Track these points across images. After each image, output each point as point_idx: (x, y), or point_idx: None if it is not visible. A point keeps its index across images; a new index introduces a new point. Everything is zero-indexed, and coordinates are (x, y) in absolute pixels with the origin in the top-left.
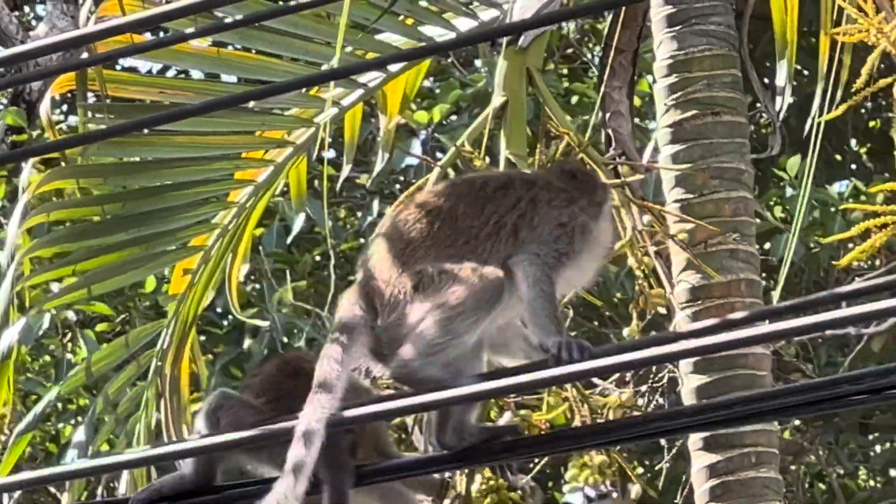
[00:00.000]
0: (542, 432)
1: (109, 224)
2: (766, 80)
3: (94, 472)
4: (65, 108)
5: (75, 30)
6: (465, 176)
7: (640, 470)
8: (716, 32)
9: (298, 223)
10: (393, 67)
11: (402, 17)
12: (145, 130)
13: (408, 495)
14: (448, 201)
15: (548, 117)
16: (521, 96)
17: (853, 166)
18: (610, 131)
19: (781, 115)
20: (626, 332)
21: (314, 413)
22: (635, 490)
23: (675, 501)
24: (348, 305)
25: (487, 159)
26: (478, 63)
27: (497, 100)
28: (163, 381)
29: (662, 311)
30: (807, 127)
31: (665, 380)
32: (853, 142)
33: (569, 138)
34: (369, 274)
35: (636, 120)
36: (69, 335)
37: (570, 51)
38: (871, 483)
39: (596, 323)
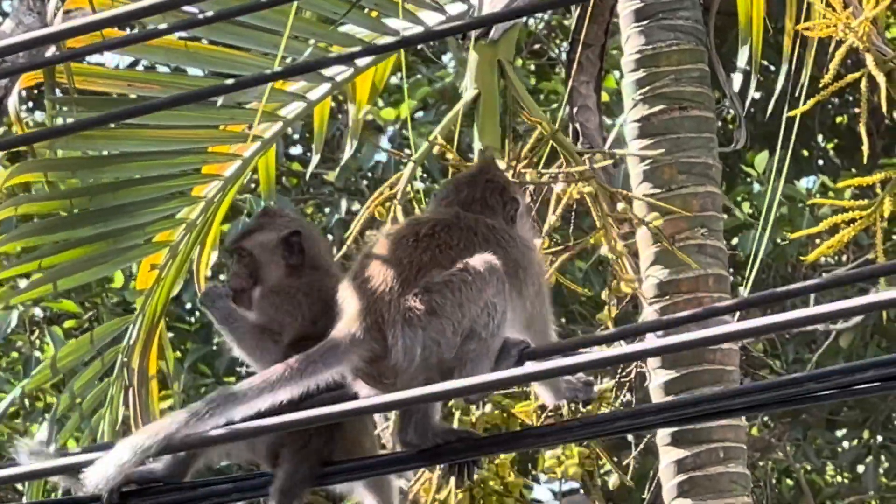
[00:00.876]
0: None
1: (76, 219)
2: (731, 76)
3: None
4: (30, 104)
5: (41, 26)
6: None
7: (608, 466)
8: (683, 27)
9: None
10: (361, 61)
11: (367, 10)
12: (111, 124)
13: (388, 479)
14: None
15: (519, 107)
16: (493, 88)
17: (820, 162)
18: (577, 126)
19: (746, 106)
20: (599, 316)
21: (164, 426)
22: (612, 481)
23: (643, 497)
24: (345, 326)
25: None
26: (445, 59)
27: (469, 93)
28: (130, 376)
29: (632, 307)
30: (782, 121)
31: (633, 375)
32: (819, 137)
33: (541, 127)
34: (371, 301)
35: (602, 115)
36: (37, 332)
37: (537, 46)
38: (839, 479)
39: (564, 319)
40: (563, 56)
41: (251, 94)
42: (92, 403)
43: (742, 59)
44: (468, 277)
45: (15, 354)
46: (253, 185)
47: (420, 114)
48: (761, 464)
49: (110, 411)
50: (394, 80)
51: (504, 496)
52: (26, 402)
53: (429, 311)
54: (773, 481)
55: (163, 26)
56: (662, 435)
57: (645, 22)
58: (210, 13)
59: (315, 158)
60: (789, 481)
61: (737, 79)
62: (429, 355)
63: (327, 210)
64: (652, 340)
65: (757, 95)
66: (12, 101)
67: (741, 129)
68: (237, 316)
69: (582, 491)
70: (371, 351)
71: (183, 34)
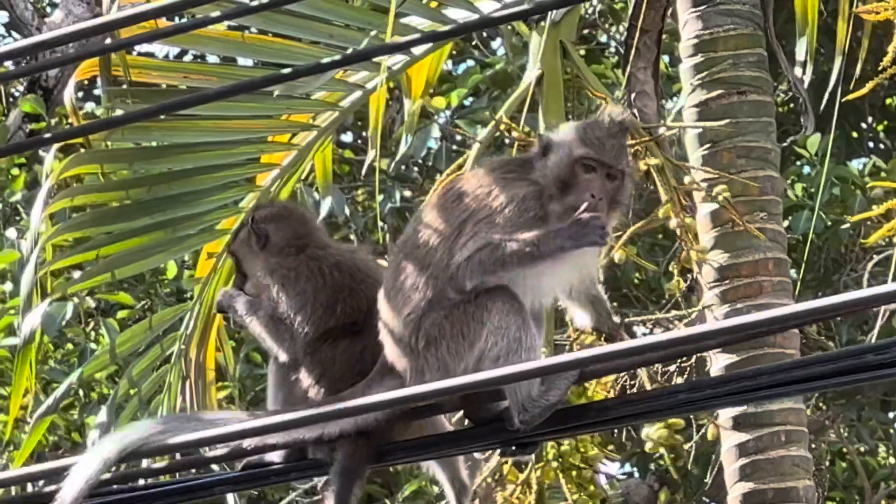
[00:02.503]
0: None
1: (133, 209)
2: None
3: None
4: (81, 94)
5: (90, 16)
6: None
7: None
8: (741, 12)
9: (325, 207)
10: (416, 50)
11: (425, 0)
12: (164, 115)
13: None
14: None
15: (581, 86)
16: (556, 68)
17: (870, 144)
18: (636, 111)
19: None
20: (668, 285)
21: None
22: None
23: (705, 480)
24: (380, 359)
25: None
26: (494, 45)
27: (531, 73)
28: (187, 365)
29: (688, 289)
30: (832, 103)
31: (692, 360)
32: (869, 119)
33: (605, 103)
34: (386, 332)
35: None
36: (91, 324)
37: (586, 31)
38: (892, 460)
39: (616, 304)
40: (614, 41)
41: (311, 84)
42: (150, 390)
43: (801, 51)
44: (470, 309)
45: (70, 346)
46: (312, 175)
47: (470, 100)
48: (814, 446)
49: (168, 398)
50: (445, 66)
51: (584, 469)
52: (81, 393)
53: (428, 342)
54: (827, 463)
55: (215, 14)
56: (724, 418)
57: (702, 7)
58: (263, 1)
59: (371, 152)
60: (843, 463)
61: (798, 68)
62: (441, 378)
63: (380, 198)
64: (717, 322)
65: (808, 79)
66: (68, 94)
67: (808, 114)
68: (258, 303)
69: (637, 475)
70: (396, 384)
71: (233, 23)
